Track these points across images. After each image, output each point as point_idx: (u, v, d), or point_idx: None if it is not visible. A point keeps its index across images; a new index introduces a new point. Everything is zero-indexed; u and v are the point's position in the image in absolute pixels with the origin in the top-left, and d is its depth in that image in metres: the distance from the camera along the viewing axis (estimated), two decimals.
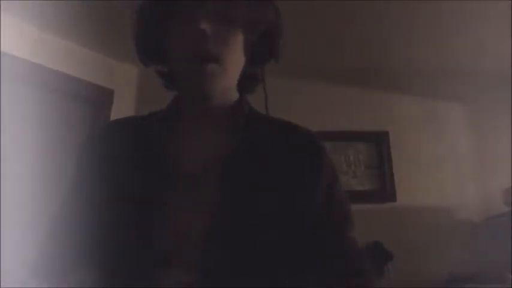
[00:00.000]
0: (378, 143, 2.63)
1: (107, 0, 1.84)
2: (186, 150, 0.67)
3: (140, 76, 2.56)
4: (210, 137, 0.68)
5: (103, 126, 0.80)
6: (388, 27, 2.14)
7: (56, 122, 2.16)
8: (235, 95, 0.74)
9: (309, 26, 2.05)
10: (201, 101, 0.69)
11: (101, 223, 0.61)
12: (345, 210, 0.69)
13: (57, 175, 1.92)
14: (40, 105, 2.10)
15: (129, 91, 2.53)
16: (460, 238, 2.43)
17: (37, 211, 1.76)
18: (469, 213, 2.52)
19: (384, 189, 2.54)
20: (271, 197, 0.62)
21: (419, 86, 2.72)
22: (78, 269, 0.60)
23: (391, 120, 2.70)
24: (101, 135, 0.75)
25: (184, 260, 0.58)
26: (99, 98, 2.35)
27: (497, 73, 2.54)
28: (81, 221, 0.64)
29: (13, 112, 1.97)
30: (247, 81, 0.74)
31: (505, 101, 2.64)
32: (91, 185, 0.66)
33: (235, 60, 0.67)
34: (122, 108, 2.41)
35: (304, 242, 0.62)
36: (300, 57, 2.45)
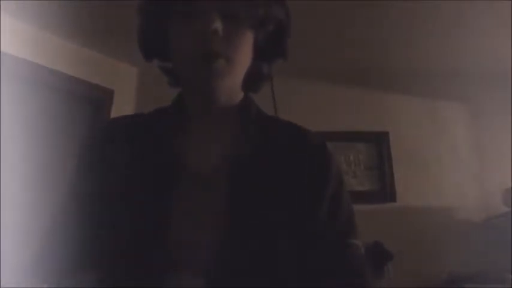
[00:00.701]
0: (378, 143, 2.63)
1: (107, 0, 1.84)
2: (193, 150, 0.66)
3: (140, 76, 2.55)
4: (216, 137, 0.67)
5: (104, 126, 0.78)
6: (388, 27, 2.14)
7: (56, 122, 2.16)
8: (240, 95, 0.72)
9: (309, 26, 2.05)
10: (208, 99, 0.68)
11: (103, 223, 0.60)
12: (348, 216, 0.68)
13: (57, 175, 1.92)
14: (40, 105, 2.10)
15: (129, 91, 2.53)
16: (460, 238, 2.43)
17: (37, 211, 1.76)
18: (469, 213, 2.52)
19: (383, 189, 2.54)
20: (278, 200, 0.62)
21: (419, 86, 2.72)
22: (77, 270, 0.60)
23: (391, 120, 2.70)
24: (103, 134, 0.73)
25: (192, 262, 0.57)
26: (99, 98, 2.35)
27: (497, 73, 2.54)
28: (82, 221, 0.63)
29: (13, 112, 1.97)
30: (253, 81, 0.73)
31: (505, 101, 2.64)
32: (92, 186, 0.65)
33: (243, 59, 0.66)
34: (122, 108, 2.41)
35: (307, 246, 0.62)
36: (300, 57, 2.45)
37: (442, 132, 2.72)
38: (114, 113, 2.36)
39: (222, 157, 0.64)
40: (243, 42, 0.65)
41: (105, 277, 0.58)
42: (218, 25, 0.60)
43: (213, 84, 0.64)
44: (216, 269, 0.56)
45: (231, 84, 0.67)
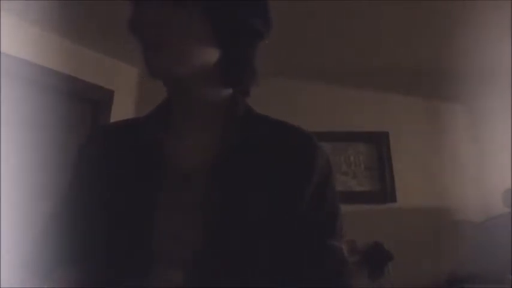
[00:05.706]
0: (378, 143, 2.63)
1: (107, 0, 1.84)
2: (178, 148, 0.67)
3: (140, 76, 2.56)
4: (202, 135, 0.68)
5: (99, 128, 0.80)
6: (388, 27, 2.14)
7: (56, 122, 2.16)
8: (223, 92, 0.70)
9: (309, 26, 2.05)
10: (181, 95, 0.68)
11: (95, 223, 0.62)
12: (332, 217, 0.67)
13: (57, 175, 1.92)
14: (40, 105, 2.10)
15: (129, 91, 2.53)
16: (460, 238, 2.43)
17: (36, 210, 1.76)
18: (469, 213, 2.52)
19: (383, 189, 2.54)
20: (260, 198, 0.62)
21: (419, 86, 2.72)
22: (67, 267, 0.61)
23: (391, 120, 2.70)
24: (97, 137, 0.76)
25: (174, 259, 0.58)
26: (99, 98, 2.35)
27: (497, 73, 2.54)
28: (74, 220, 0.65)
29: (13, 112, 1.97)
30: (231, 77, 0.69)
31: (505, 101, 2.64)
32: (86, 186, 0.67)
33: (195, 47, 0.62)
34: (122, 108, 2.42)
35: (287, 245, 0.62)
36: (300, 57, 2.45)
37: (442, 132, 2.72)
38: (114, 113, 2.37)
39: (207, 155, 0.65)
40: (194, 28, 0.61)
41: (95, 275, 0.59)
42: (162, 14, 0.58)
43: (166, 74, 0.62)
44: (198, 266, 0.58)
45: (190, 75, 0.64)
